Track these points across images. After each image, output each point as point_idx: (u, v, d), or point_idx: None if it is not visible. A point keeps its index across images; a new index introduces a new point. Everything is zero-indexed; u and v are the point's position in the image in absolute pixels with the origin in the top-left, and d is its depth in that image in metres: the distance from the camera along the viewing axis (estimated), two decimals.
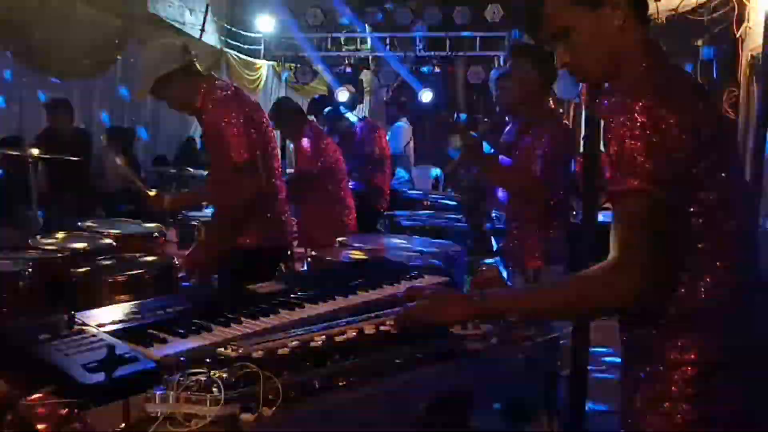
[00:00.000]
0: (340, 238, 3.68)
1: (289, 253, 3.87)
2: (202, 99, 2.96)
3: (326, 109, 6.06)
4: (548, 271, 2.99)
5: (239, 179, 2.91)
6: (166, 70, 2.92)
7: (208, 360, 1.43)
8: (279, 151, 3.33)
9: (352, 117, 6.49)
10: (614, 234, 1.40)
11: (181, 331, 1.72)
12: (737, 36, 6.10)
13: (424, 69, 9.71)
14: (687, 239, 1.42)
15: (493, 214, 4.55)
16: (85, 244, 3.52)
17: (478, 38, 9.20)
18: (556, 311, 1.59)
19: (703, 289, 1.42)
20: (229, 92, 3.00)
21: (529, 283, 3.01)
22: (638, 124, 1.36)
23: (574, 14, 1.53)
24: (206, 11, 8.67)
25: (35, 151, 4.32)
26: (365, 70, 10.42)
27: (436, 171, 9.89)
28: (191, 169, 5.91)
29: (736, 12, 6.02)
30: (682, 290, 1.43)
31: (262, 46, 10.67)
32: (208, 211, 4.75)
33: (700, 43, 6.56)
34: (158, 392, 1.31)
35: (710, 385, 1.41)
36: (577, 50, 1.55)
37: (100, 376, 1.42)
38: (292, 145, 5.38)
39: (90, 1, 7.13)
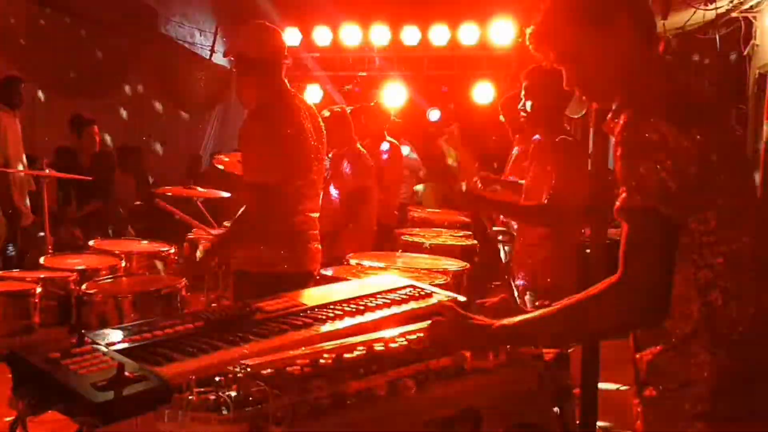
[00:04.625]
0: (348, 256, 3.67)
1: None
2: (257, 103, 2.90)
3: None
4: (559, 289, 2.98)
5: (247, 198, 2.87)
6: (251, 51, 2.87)
7: (217, 378, 1.43)
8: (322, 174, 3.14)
9: None
10: (622, 251, 1.40)
11: (190, 349, 1.72)
12: (744, 54, 6.11)
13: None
14: (697, 257, 1.41)
15: (500, 238, 4.55)
16: (94, 263, 3.54)
17: (484, 58, 9.24)
18: (569, 335, 1.61)
19: (714, 307, 1.41)
20: (278, 109, 2.88)
21: (540, 300, 3.00)
22: (647, 142, 1.36)
23: (580, 35, 1.54)
24: (216, 32, 8.77)
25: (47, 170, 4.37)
26: (373, 90, 10.47)
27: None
28: (199, 189, 5.93)
29: (743, 30, 6.04)
30: (694, 308, 1.42)
31: None
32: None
33: (707, 61, 6.57)
34: (167, 411, 1.31)
35: (724, 404, 1.40)
36: (584, 71, 1.56)
37: (109, 395, 1.42)
38: None
39: (101, 22, 7.23)
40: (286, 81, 2.99)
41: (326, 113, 4.92)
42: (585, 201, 3.19)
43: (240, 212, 2.93)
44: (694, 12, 5.96)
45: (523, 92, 3.19)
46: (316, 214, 3.12)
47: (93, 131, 6.43)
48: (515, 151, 4.29)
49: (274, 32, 3.00)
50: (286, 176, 2.86)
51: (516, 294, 3.26)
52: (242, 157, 3.00)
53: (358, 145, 4.90)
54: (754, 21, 5.98)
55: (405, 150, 9.74)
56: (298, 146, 2.90)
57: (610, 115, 1.55)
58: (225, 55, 2.94)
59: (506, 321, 1.57)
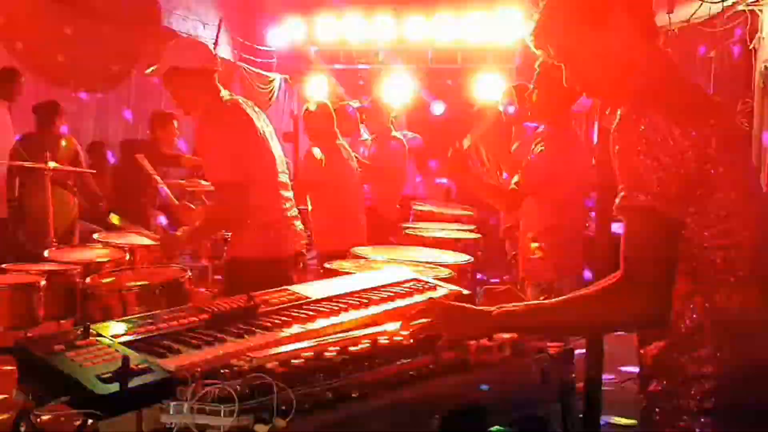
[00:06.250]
0: (353, 250, 3.67)
1: (301, 265, 3.76)
2: (202, 110, 3.00)
3: None
4: (561, 283, 2.97)
5: (217, 197, 3.01)
6: (188, 64, 2.96)
7: (222, 371, 1.43)
8: (283, 161, 3.28)
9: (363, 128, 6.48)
10: (623, 250, 1.40)
11: (195, 342, 1.72)
12: (750, 47, 6.08)
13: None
14: (698, 252, 1.41)
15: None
16: (99, 256, 3.55)
17: (489, 51, 9.20)
18: (570, 328, 1.61)
19: (717, 302, 1.41)
20: (225, 111, 2.99)
21: (543, 295, 2.99)
22: (646, 139, 1.36)
23: (578, 32, 1.53)
24: (220, 25, 8.76)
25: (52, 164, 4.38)
26: (376, 85, 10.44)
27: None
28: (203, 182, 5.93)
29: (749, 23, 6.01)
30: (697, 303, 1.41)
31: (274, 60, 10.74)
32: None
33: (713, 54, 6.54)
34: (172, 403, 1.32)
35: (729, 399, 1.40)
36: (582, 67, 1.55)
37: (114, 387, 1.43)
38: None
39: (104, 16, 7.21)
40: (221, 87, 3.11)
41: (312, 107, 4.97)
42: (584, 193, 3.19)
43: (209, 210, 3.14)
44: (701, 5, 5.92)
45: (533, 82, 3.17)
46: (290, 194, 3.25)
47: (173, 126, 6.26)
48: (515, 145, 4.27)
49: (201, 45, 3.41)
50: (249, 170, 2.97)
51: (520, 288, 3.25)
52: (204, 161, 3.11)
53: (340, 142, 4.91)
54: (760, 14, 5.95)
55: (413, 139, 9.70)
56: (253, 141, 3.02)
57: (608, 111, 1.54)
58: (158, 73, 3.04)
59: (507, 307, 1.57)
